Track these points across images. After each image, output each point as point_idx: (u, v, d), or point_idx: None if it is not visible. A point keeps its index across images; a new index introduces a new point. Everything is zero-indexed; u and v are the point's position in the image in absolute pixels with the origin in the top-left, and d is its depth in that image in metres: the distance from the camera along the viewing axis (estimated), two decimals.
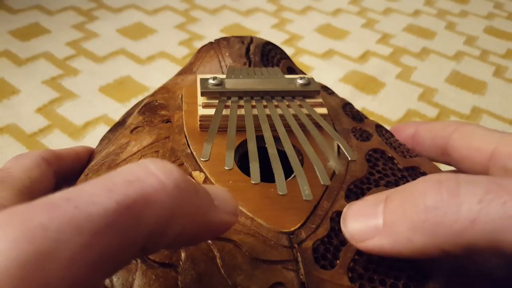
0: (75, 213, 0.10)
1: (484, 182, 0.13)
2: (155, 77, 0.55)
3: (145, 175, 0.12)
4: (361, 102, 0.54)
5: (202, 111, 0.22)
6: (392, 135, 0.25)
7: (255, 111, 0.22)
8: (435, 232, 0.13)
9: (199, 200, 0.13)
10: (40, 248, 0.10)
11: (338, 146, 0.21)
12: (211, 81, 0.22)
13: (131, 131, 0.23)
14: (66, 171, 0.22)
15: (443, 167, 0.24)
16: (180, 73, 0.29)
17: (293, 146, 0.19)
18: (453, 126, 0.23)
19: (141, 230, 0.12)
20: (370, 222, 0.15)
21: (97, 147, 0.25)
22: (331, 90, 0.29)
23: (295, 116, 0.22)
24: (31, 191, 0.19)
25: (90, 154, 0.24)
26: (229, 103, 0.22)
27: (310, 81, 0.23)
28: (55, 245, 0.10)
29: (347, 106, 0.26)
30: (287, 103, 0.23)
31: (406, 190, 0.15)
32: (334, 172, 0.20)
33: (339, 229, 0.18)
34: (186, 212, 0.13)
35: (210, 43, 0.29)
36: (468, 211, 0.13)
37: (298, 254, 0.17)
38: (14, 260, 0.09)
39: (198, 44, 0.58)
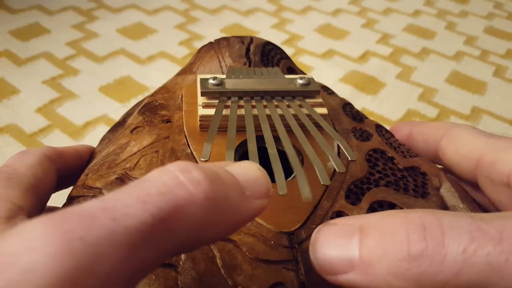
0: (112, 226, 0.10)
1: (468, 227, 0.13)
2: (155, 77, 0.55)
3: (175, 186, 0.12)
4: (361, 102, 0.54)
5: (202, 111, 0.22)
6: (392, 135, 0.25)
7: (255, 111, 0.22)
8: (419, 281, 0.13)
9: (230, 201, 0.13)
10: (81, 264, 0.10)
11: (338, 146, 0.21)
12: (211, 81, 0.22)
13: (131, 131, 0.23)
14: (68, 169, 0.22)
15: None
16: (180, 73, 0.29)
17: (293, 146, 0.19)
18: (443, 129, 0.23)
19: (174, 240, 0.12)
20: (344, 254, 0.14)
21: (97, 147, 0.25)
22: (331, 90, 0.29)
23: (295, 116, 0.22)
24: (36, 188, 0.19)
25: (90, 153, 0.24)
26: (229, 103, 0.22)
27: (310, 81, 0.23)
28: (95, 260, 0.10)
29: (347, 106, 0.26)
30: (287, 103, 0.23)
31: (385, 227, 0.14)
32: (334, 172, 0.20)
33: None
34: (218, 217, 0.13)
35: (210, 43, 0.29)
36: (452, 263, 0.12)
37: (298, 254, 0.17)
38: (56, 275, 0.09)
39: (198, 44, 0.58)
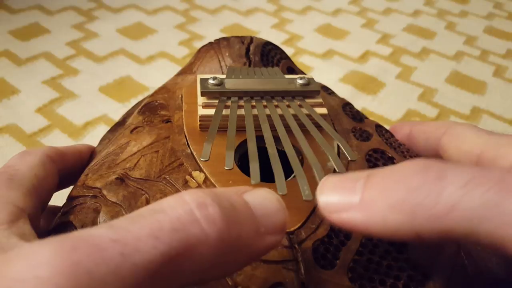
0: (120, 261, 0.10)
1: (472, 168, 0.13)
2: (155, 77, 0.55)
3: (190, 223, 0.12)
4: (361, 102, 0.54)
5: (202, 111, 0.22)
6: (392, 135, 0.25)
7: (255, 111, 0.22)
8: (413, 213, 0.13)
9: (243, 241, 0.13)
10: None
11: (338, 146, 0.21)
12: (211, 81, 0.22)
13: (131, 131, 0.23)
14: (68, 169, 0.22)
15: None
16: (180, 73, 0.29)
17: (293, 146, 0.19)
18: (444, 127, 0.23)
19: (180, 280, 0.12)
20: (347, 196, 0.14)
21: (97, 147, 0.25)
22: (331, 90, 0.29)
23: (295, 116, 0.22)
24: (38, 189, 0.18)
25: (91, 152, 0.24)
26: (229, 103, 0.22)
27: (310, 81, 0.23)
28: None
29: (347, 106, 0.26)
30: (287, 103, 0.23)
31: (391, 169, 0.14)
32: (334, 171, 0.20)
33: (339, 229, 0.18)
34: (227, 258, 0.13)
35: (210, 43, 0.29)
36: (450, 195, 0.12)
37: (298, 254, 0.17)
38: None
39: (198, 44, 0.58)
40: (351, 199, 0.14)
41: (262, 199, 0.14)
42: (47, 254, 0.10)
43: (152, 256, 0.11)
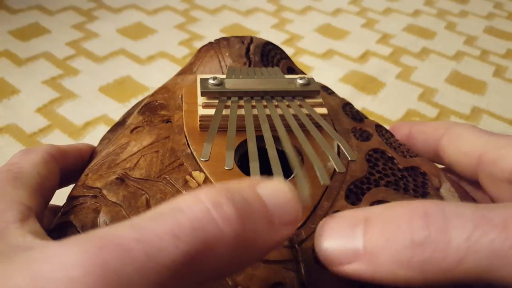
0: (145, 261, 0.11)
1: (472, 215, 0.13)
2: (155, 77, 0.55)
3: (207, 222, 0.12)
4: (361, 102, 0.54)
5: (202, 111, 0.22)
6: (392, 135, 0.25)
7: (255, 111, 0.22)
8: (423, 268, 0.13)
9: (258, 236, 0.13)
10: None
11: (338, 146, 0.21)
12: (211, 81, 0.22)
13: (131, 131, 0.23)
14: (69, 168, 0.22)
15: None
16: (180, 73, 0.29)
17: (293, 146, 0.19)
18: (443, 128, 0.23)
19: (201, 275, 0.12)
20: (348, 245, 0.14)
21: (97, 147, 0.25)
22: (331, 90, 0.29)
23: (295, 116, 0.22)
24: (41, 188, 0.18)
25: (91, 152, 0.24)
26: (229, 103, 0.22)
27: (310, 81, 0.23)
28: None
29: (347, 106, 0.26)
30: (287, 103, 0.23)
31: (389, 217, 0.14)
32: (334, 172, 0.20)
33: None
34: (243, 253, 0.13)
35: (210, 43, 0.29)
36: (456, 250, 0.12)
37: (298, 254, 0.17)
38: None
39: (198, 44, 0.58)
40: (352, 248, 0.14)
41: (274, 191, 0.14)
42: (76, 255, 0.10)
43: (174, 255, 0.11)
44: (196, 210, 0.12)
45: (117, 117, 0.43)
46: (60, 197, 0.21)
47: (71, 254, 0.10)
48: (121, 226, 0.11)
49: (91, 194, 0.19)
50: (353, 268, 0.14)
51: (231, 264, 0.13)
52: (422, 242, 0.13)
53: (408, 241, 0.13)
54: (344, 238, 0.14)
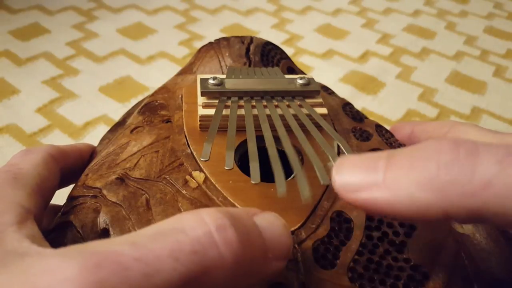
0: (142, 281, 0.11)
1: (504, 147, 0.12)
2: (155, 77, 0.55)
3: (209, 245, 0.12)
4: (361, 102, 0.54)
5: (202, 111, 0.22)
6: (392, 135, 0.25)
7: (255, 111, 0.22)
8: (444, 190, 0.12)
9: (253, 265, 0.13)
10: None
11: (338, 146, 0.21)
12: (211, 81, 0.22)
13: (131, 131, 0.23)
14: (69, 168, 0.22)
15: None
16: (180, 73, 0.29)
17: (293, 146, 0.19)
18: (447, 126, 0.23)
19: None
20: (369, 175, 0.14)
21: (97, 147, 0.25)
22: (331, 90, 0.29)
23: (295, 116, 0.22)
24: (41, 188, 0.18)
25: (91, 152, 0.24)
26: (229, 103, 0.22)
27: (310, 81, 0.23)
28: None
29: (347, 106, 0.26)
30: (287, 103, 0.23)
31: (416, 148, 0.13)
32: None
33: (339, 229, 0.18)
34: (238, 280, 0.13)
35: (210, 43, 0.29)
36: (485, 172, 0.12)
37: (298, 254, 0.17)
38: None
39: (198, 44, 0.58)
40: (373, 177, 0.13)
41: (270, 224, 0.14)
42: (73, 270, 0.10)
43: (171, 277, 0.11)
44: (199, 232, 0.12)
45: (117, 117, 0.43)
46: (60, 197, 0.21)
47: (69, 268, 0.10)
48: (121, 243, 0.11)
49: (91, 194, 0.19)
50: (369, 194, 0.13)
51: (229, 285, 0.13)
52: (449, 162, 0.12)
53: (434, 162, 0.12)
54: (365, 168, 0.14)
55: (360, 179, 0.14)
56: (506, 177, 0.11)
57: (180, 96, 0.25)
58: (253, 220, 0.14)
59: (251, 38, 0.29)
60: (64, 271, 0.10)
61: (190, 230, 0.12)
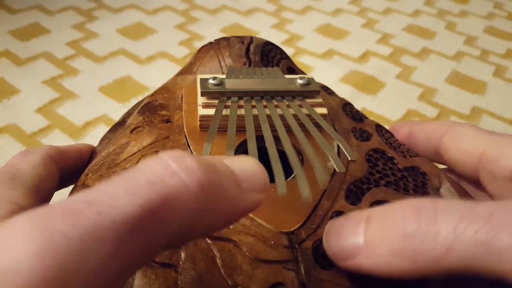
0: (97, 220, 0.10)
1: (460, 208, 0.13)
2: (155, 77, 0.55)
3: (166, 175, 0.11)
4: (361, 102, 0.54)
5: (202, 111, 0.22)
6: (392, 135, 0.25)
7: (255, 111, 0.22)
8: (414, 258, 0.14)
9: (226, 192, 0.13)
10: (64, 262, 0.09)
11: (338, 146, 0.21)
12: (211, 81, 0.22)
13: (131, 131, 0.23)
14: (69, 169, 0.22)
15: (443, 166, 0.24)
16: (180, 73, 0.29)
17: (293, 146, 0.19)
18: (445, 127, 0.23)
19: (166, 233, 0.11)
20: (351, 241, 0.15)
21: (97, 147, 0.25)
22: (331, 90, 0.29)
23: (295, 116, 0.22)
24: (40, 189, 0.18)
25: (91, 152, 0.24)
26: (229, 103, 0.22)
27: (310, 81, 0.23)
28: (79, 258, 0.09)
29: (347, 106, 0.26)
30: (287, 103, 0.23)
31: (386, 214, 0.15)
32: (334, 172, 0.20)
33: None
34: (212, 208, 0.12)
35: (210, 43, 0.29)
36: (444, 239, 0.13)
37: (298, 254, 0.17)
38: (38, 275, 0.09)
39: (198, 44, 0.58)
40: (355, 242, 0.15)
41: (240, 162, 0.14)
42: (20, 224, 0.10)
43: (131, 210, 0.10)
44: (155, 166, 0.12)
45: (117, 117, 0.43)
46: (60, 198, 0.21)
47: (17, 224, 0.10)
48: (74, 195, 0.11)
49: None
50: (355, 262, 0.15)
51: (200, 220, 0.12)
52: (412, 233, 0.14)
53: (400, 233, 0.14)
54: (348, 235, 0.16)
55: (344, 246, 0.16)
56: (461, 243, 0.13)
57: (180, 96, 0.25)
58: (220, 160, 0.14)
59: (251, 38, 0.29)
60: (12, 228, 0.10)
61: (145, 167, 0.12)
